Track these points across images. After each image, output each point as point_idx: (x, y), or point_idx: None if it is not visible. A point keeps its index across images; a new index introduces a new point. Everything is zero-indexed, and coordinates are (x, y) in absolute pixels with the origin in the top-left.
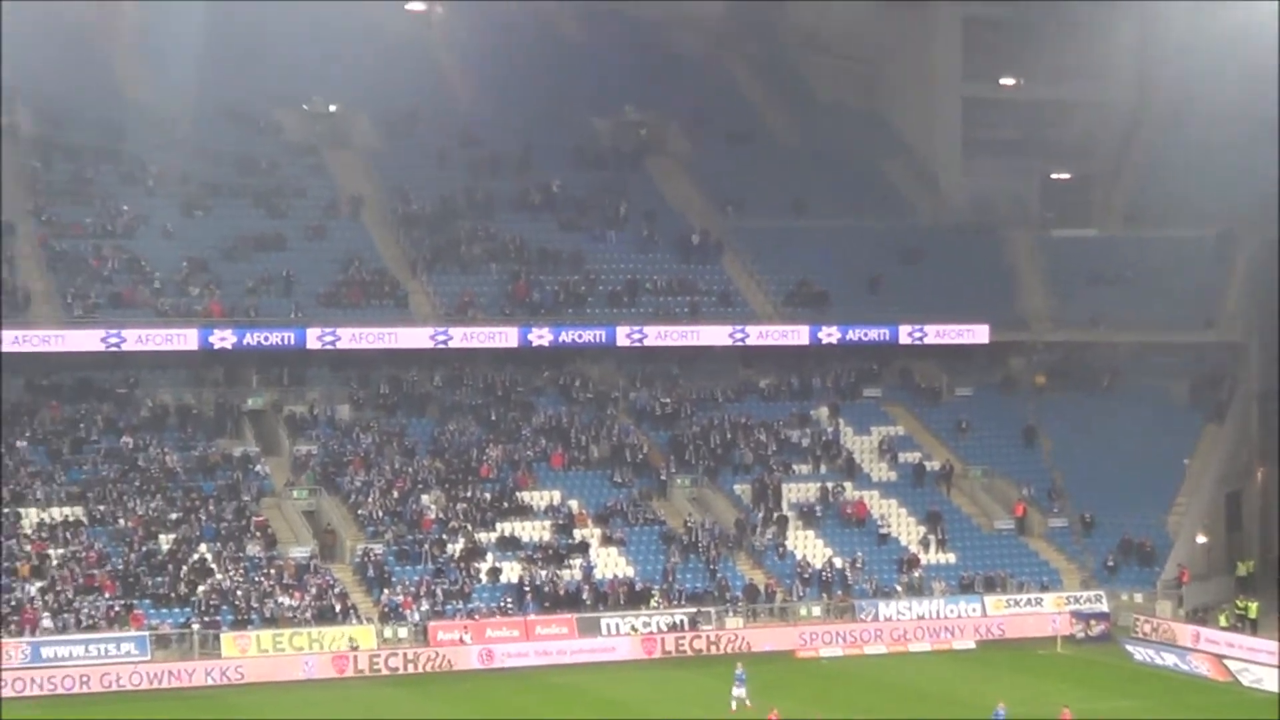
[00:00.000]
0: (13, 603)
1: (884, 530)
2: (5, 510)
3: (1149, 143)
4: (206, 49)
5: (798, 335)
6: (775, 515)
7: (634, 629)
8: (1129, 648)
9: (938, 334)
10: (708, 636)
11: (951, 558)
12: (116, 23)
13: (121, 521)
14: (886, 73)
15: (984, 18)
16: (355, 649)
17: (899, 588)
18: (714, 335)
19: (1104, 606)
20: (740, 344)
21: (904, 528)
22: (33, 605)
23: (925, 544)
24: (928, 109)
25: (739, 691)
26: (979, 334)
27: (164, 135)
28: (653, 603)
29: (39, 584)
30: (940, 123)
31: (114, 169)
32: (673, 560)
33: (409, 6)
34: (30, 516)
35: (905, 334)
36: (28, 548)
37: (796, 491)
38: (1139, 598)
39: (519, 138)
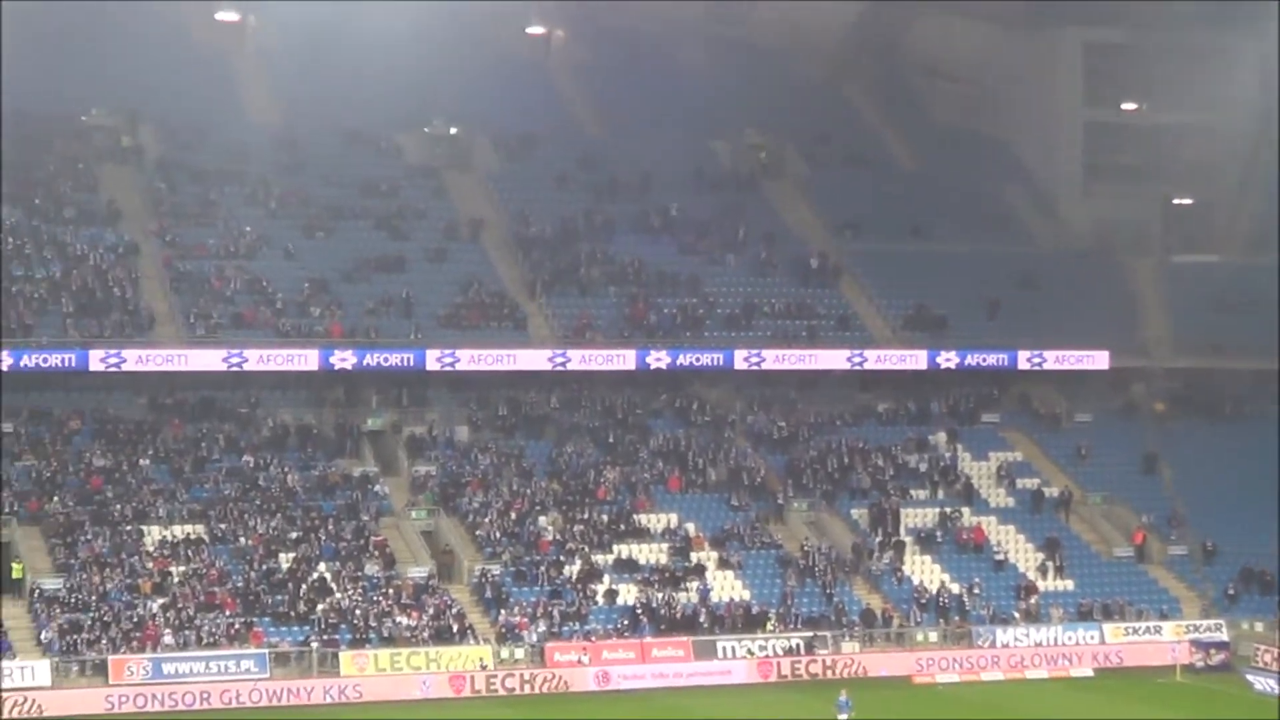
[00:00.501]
0: (135, 619)
1: (1001, 556)
2: (128, 527)
3: (1272, 167)
4: (330, 72)
5: (916, 360)
6: (892, 540)
7: (750, 652)
8: (1249, 677)
9: (1057, 359)
10: (824, 661)
11: (1070, 584)
12: (241, 46)
13: (242, 540)
14: (1007, 97)
15: (1105, 43)
16: (484, 668)
17: (1016, 614)
18: (832, 359)
19: (1224, 635)
20: (858, 368)
21: (1022, 554)
22: (155, 622)
23: (1043, 570)
24: (1048, 134)
25: (843, 719)
26: (1099, 360)
27: (287, 158)
28: (769, 626)
29: (161, 601)
30: (1061, 147)
31: (238, 191)
32: (789, 584)
33: (529, 30)
34: (153, 534)
35: (1024, 359)
36: (150, 565)
37: (914, 516)
38: (1259, 627)
39: (638, 161)
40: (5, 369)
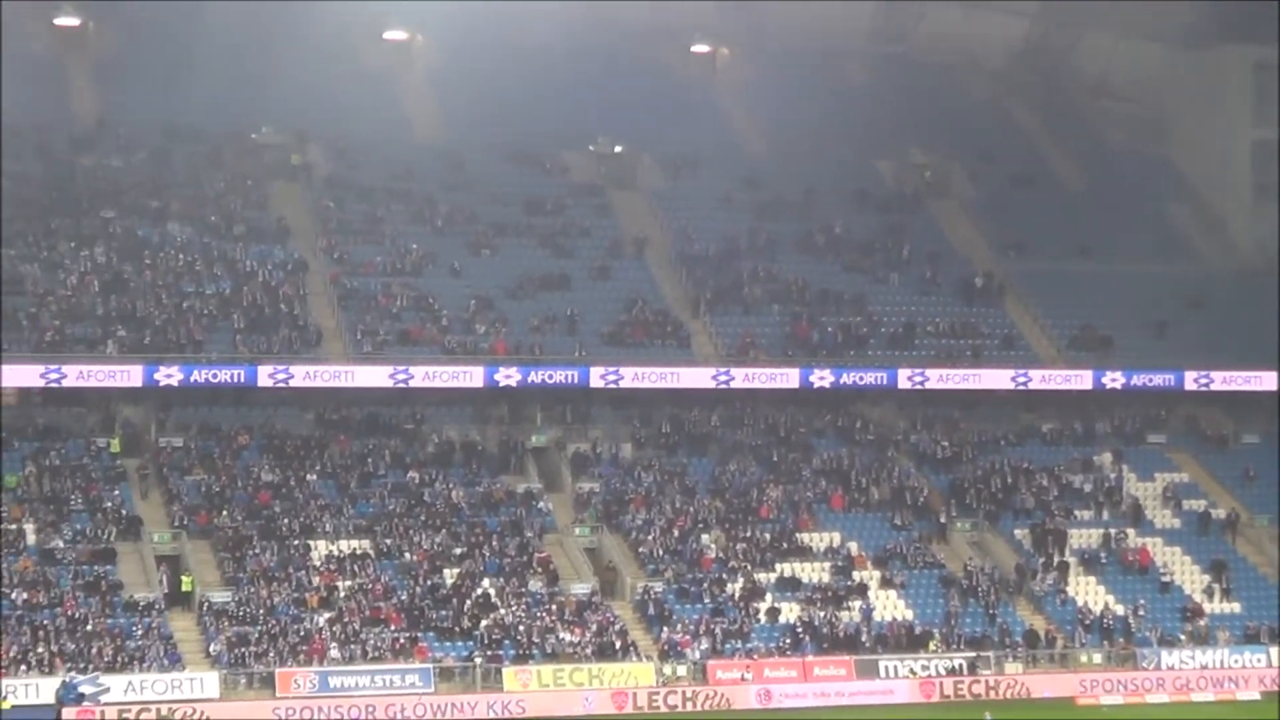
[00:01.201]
0: (302, 632)
1: (1167, 578)
2: (296, 542)
3: None
4: (496, 91)
5: (1081, 380)
6: (1056, 561)
7: (912, 672)
8: None
9: (1224, 380)
10: (987, 681)
11: (1236, 607)
12: (409, 65)
13: (407, 555)
14: (1174, 117)
15: (1273, 63)
16: (666, 684)
17: (1182, 636)
18: (996, 379)
19: None
20: (1022, 388)
21: (1187, 576)
22: (321, 635)
23: (1209, 593)
24: (1216, 153)
25: None
26: (1267, 380)
27: (453, 176)
28: (932, 646)
29: (327, 615)
30: (1228, 167)
31: (404, 208)
32: (952, 604)
33: (695, 48)
34: (320, 548)
35: (1191, 380)
36: (316, 579)
37: (1078, 537)
38: None
39: (802, 180)
40: (176, 384)
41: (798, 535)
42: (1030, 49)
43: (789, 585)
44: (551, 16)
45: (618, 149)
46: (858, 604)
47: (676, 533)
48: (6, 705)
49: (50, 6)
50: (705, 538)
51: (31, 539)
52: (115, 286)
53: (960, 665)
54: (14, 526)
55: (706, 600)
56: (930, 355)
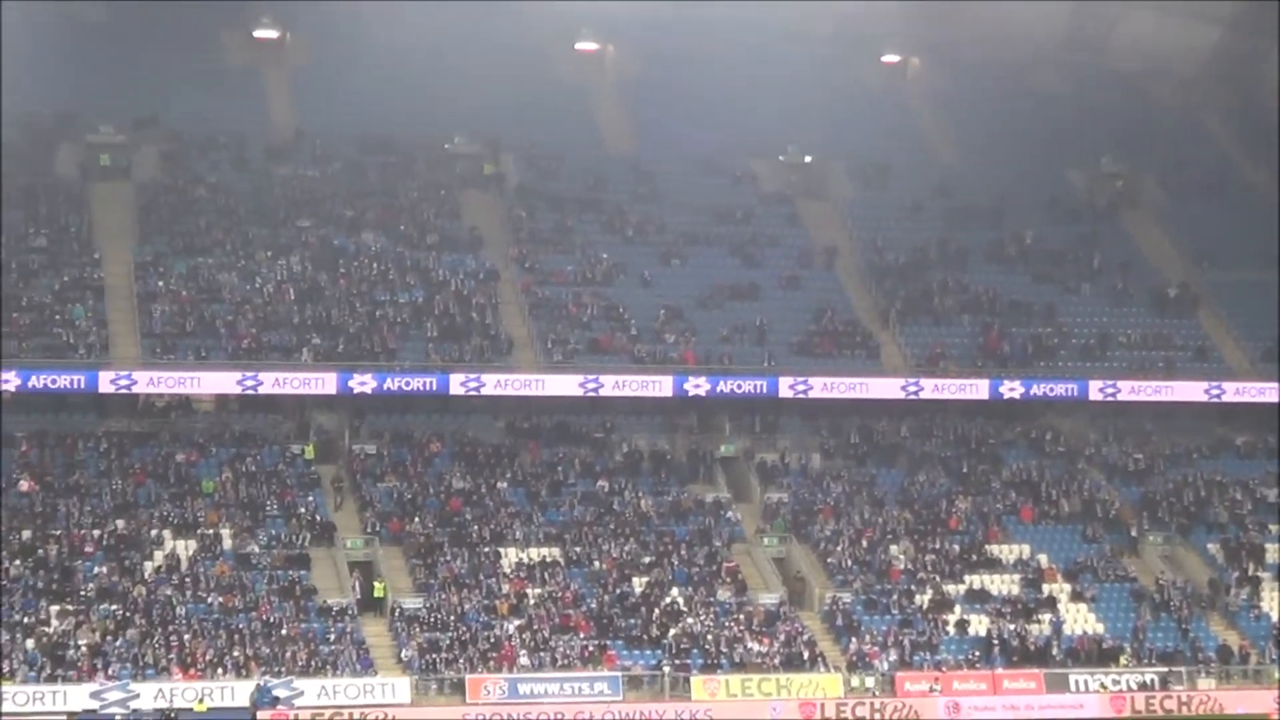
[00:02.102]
0: (492, 639)
1: None
2: (486, 549)
3: None
4: (685, 101)
5: (1275, 392)
6: (1250, 575)
7: (1103, 686)
8: None
9: None
10: (1179, 697)
11: None
12: (600, 76)
13: (596, 563)
14: None
15: None
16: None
17: None
18: (1189, 391)
19: None
20: (1216, 400)
21: None
22: (511, 642)
23: None
24: None
25: None
26: None
27: (643, 186)
28: (1123, 661)
29: (517, 622)
30: None
31: (595, 218)
32: (1143, 618)
33: (885, 58)
34: (510, 556)
35: None
36: (507, 587)
37: (1273, 552)
38: None
39: (993, 189)
40: (369, 392)
41: (987, 547)
42: (1222, 56)
43: (978, 597)
44: (741, 27)
45: (808, 159)
46: (1047, 617)
47: (865, 543)
48: (203, 708)
49: (250, 19)
50: (894, 549)
51: (228, 544)
52: (311, 295)
53: (1152, 680)
54: (211, 531)
55: (895, 611)
56: (1122, 367)
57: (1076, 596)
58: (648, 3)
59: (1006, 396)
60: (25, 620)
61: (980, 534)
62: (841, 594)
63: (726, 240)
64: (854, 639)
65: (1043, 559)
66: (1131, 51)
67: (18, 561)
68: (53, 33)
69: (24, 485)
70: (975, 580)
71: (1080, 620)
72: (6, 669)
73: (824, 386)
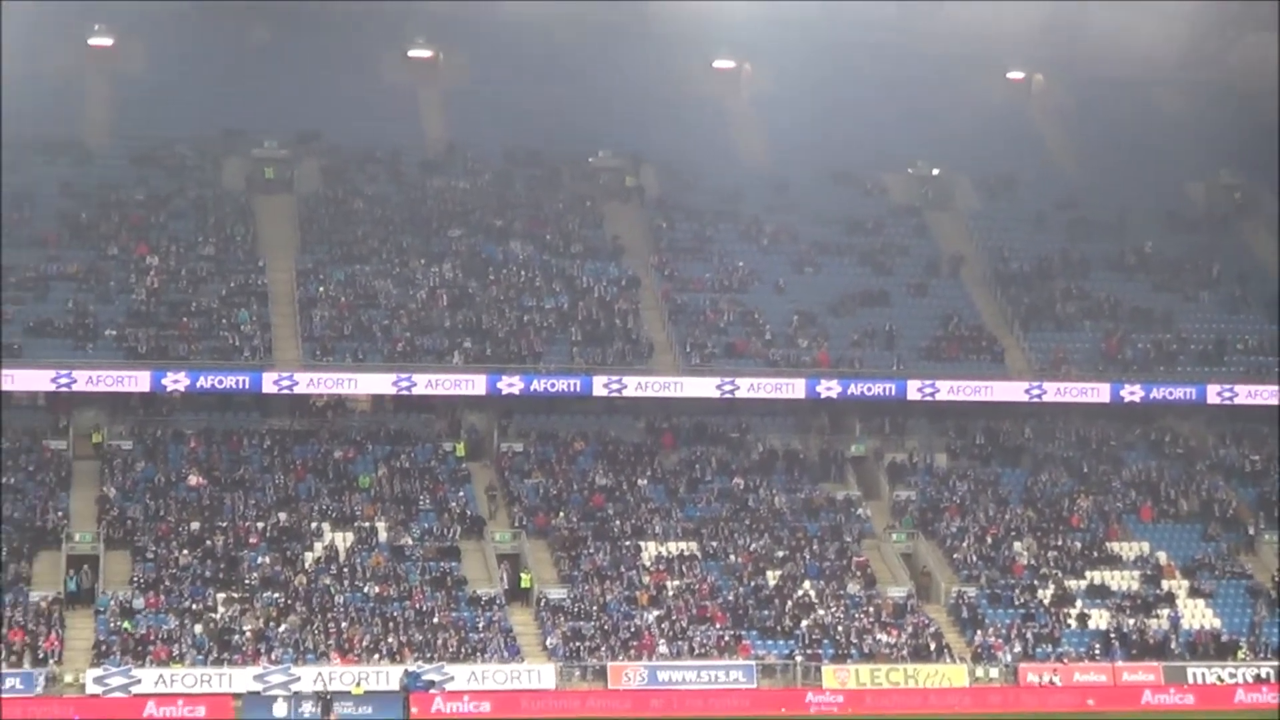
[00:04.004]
0: (632, 629)
1: None
2: (627, 543)
3: None
4: (818, 117)
5: None
6: None
7: (1220, 679)
8: None
9: None
10: None
11: None
12: (736, 93)
13: (732, 557)
14: None
15: None
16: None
17: None
18: None
19: None
20: None
21: None
22: (650, 632)
23: None
24: None
25: None
26: None
27: (778, 197)
28: (1239, 654)
29: (656, 612)
30: None
31: (732, 228)
32: (1260, 614)
33: (1010, 75)
34: (649, 549)
35: None
36: (646, 579)
37: None
38: None
39: (1114, 201)
40: (517, 393)
41: (1107, 544)
42: None
43: (1099, 592)
44: (871, 47)
45: (935, 171)
46: (1166, 612)
47: (989, 540)
48: (359, 690)
49: (405, 40)
50: (1017, 545)
51: (383, 536)
52: (461, 301)
53: (1267, 674)
54: (367, 524)
55: (1018, 605)
56: (1239, 372)
57: (1194, 592)
58: (782, 24)
59: (1127, 400)
60: (194, 607)
61: (1101, 532)
62: (967, 588)
63: (857, 249)
64: (978, 631)
65: (1162, 556)
66: (1254, 67)
67: (187, 551)
68: (221, 54)
69: (193, 480)
70: (1096, 576)
71: (1198, 615)
72: (176, 652)
73: (951, 389)
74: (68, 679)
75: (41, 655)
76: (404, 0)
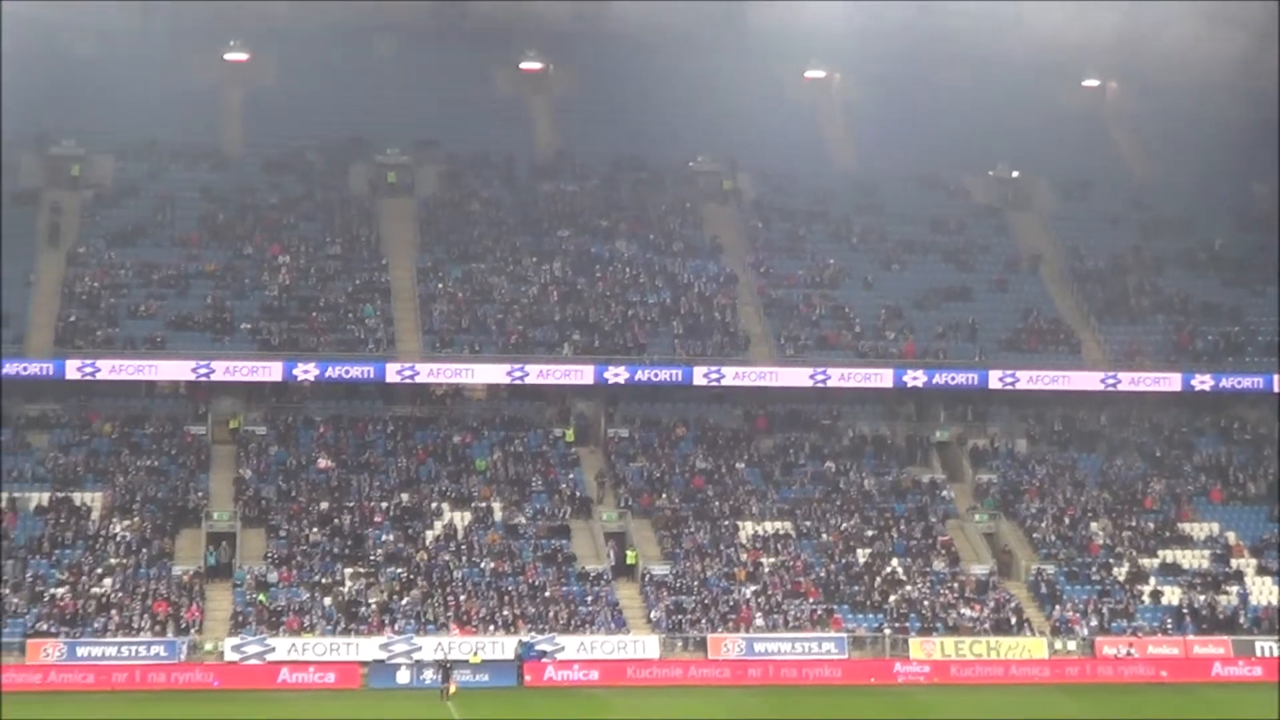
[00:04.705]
0: (730, 603)
1: None
2: (726, 523)
3: None
4: (905, 122)
5: None
6: None
7: None
8: None
9: None
10: None
11: None
12: (828, 100)
13: (824, 536)
14: None
15: None
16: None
17: None
18: None
19: None
20: None
21: None
22: (748, 606)
23: None
24: None
25: None
26: None
27: (866, 198)
28: None
29: (753, 588)
30: None
31: (823, 228)
32: None
33: (1085, 83)
34: (747, 528)
35: None
36: (744, 556)
37: None
38: None
39: (1184, 201)
40: (623, 382)
41: (1179, 525)
42: None
43: (1171, 570)
44: (954, 57)
45: (1015, 174)
46: (1235, 589)
47: (1067, 520)
48: (476, 659)
49: (518, 53)
50: (1094, 525)
51: (498, 516)
52: (571, 296)
53: None
54: (484, 505)
55: (1095, 582)
56: None
57: (1262, 570)
58: (869, 35)
59: (1198, 389)
60: (323, 581)
61: (1173, 513)
62: (1045, 566)
63: (941, 248)
64: (1057, 607)
65: (1231, 536)
66: None
67: (317, 529)
68: (347, 68)
69: (322, 463)
70: (1168, 555)
71: (1266, 592)
72: (307, 623)
73: (1030, 379)
74: (207, 647)
75: (184, 625)
76: (516, 17)
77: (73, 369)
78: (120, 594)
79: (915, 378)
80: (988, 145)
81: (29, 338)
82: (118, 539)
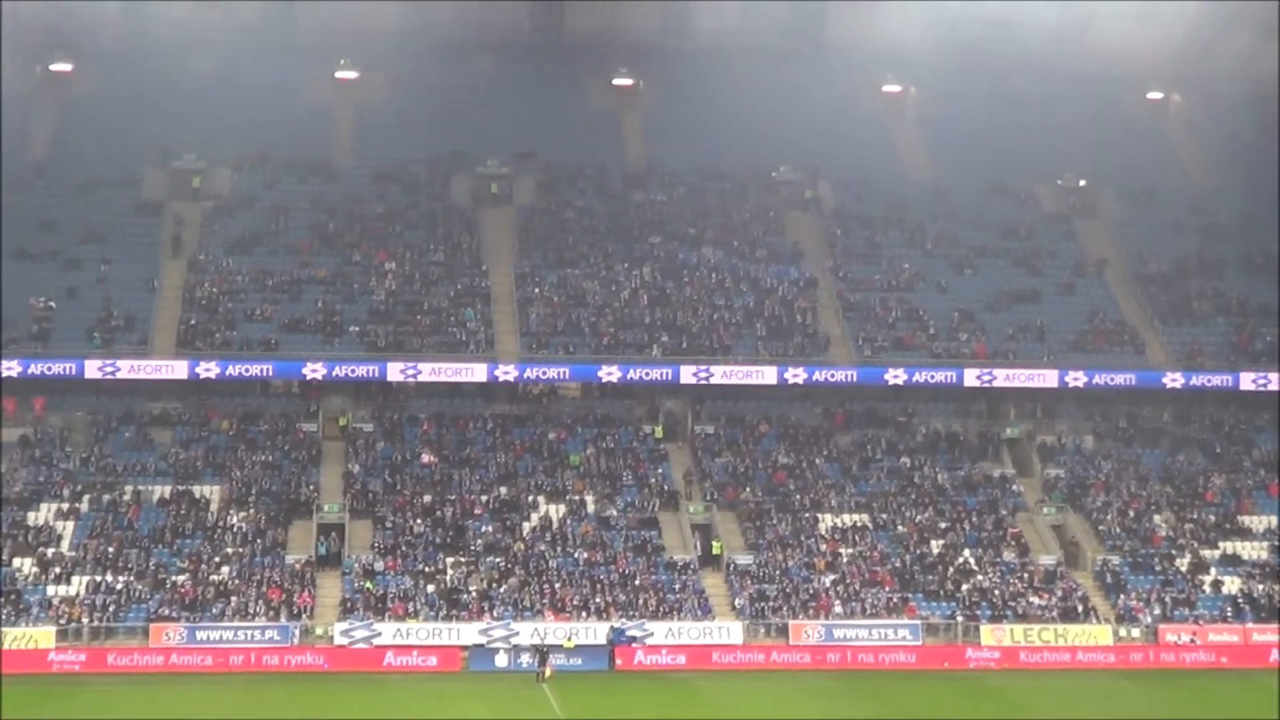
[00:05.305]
0: (811, 591)
1: None
2: (806, 515)
3: None
4: (977, 133)
5: None
6: None
7: None
8: None
9: None
10: None
11: None
12: (903, 112)
13: (900, 528)
14: None
15: None
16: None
17: None
18: None
19: None
20: None
21: None
22: (827, 594)
23: None
24: None
25: None
26: None
27: (940, 206)
28: None
29: (832, 577)
30: None
31: (899, 234)
32: None
33: (1149, 95)
34: (826, 521)
35: None
36: (823, 546)
37: None
38: None
39: (1244, 208)
40: (709, 382)
41: (1239, 518)
42: None
43: (1231, 561)
44: (1024, 71)
45: (1082, 183)
46: None
47: (1131, 513)
48: (570, 644)
49: (609, 70)
50: (1157, 518)
51: (591, 508)
52: (659, 300)
53: None
54: (577, 498)
55: (1158, 572)
56: None
57: None
58: (943, 50)
59: (1257, 388)
60: (426, 569)
61: (1233, 506)
62: (1111, 556)
63: (1011, 253)
64: (1122, 596)
65: None
66: None
67: (420, 521)
68: (450, 85)
69: (425, 458)
70: (1228, 546)
71: None
72: (411, 609)
73: (1096, 378)
74: (318, 631)
75: (296, 611)
76: (608, 36)
77: (193, 369)
78: (237, 581)
79: (986, 377)
80: (1056, 155)
81: (153, 340)
82: (235, 529)
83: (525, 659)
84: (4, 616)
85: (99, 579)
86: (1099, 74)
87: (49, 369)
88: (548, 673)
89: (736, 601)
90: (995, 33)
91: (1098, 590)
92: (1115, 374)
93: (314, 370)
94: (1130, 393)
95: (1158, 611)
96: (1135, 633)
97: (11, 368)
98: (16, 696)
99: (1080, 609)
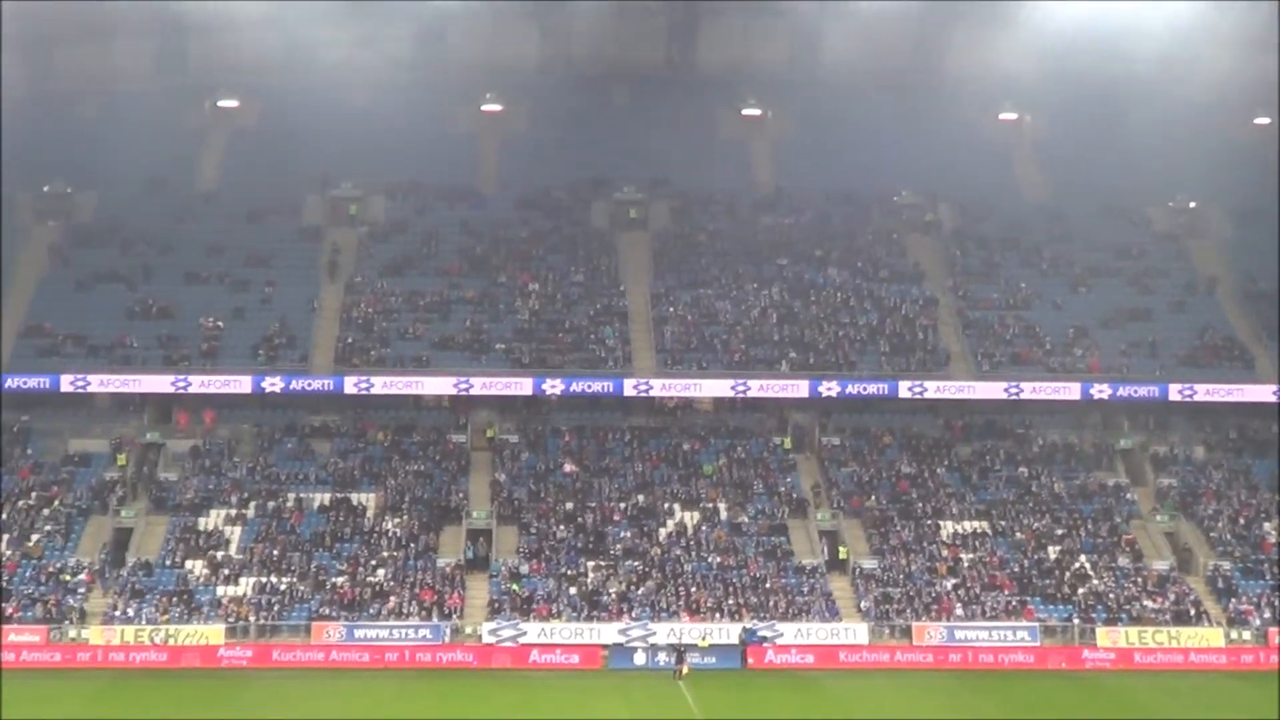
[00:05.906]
0: (933, 595)
1: None
2: (928, 522)
3: None
4: (1091, 157)
5: None
6: None
7: None
8: None
9: None
10: None
11: None
12: (1020, 138)
13: (1018, 534)
14: None
15: None
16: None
17: None
18: None
19: None
20: None
21: None
22: (948, 597)
23: None
24: None
25: None
26: None
27: (1056, 228)
28: None
29: (953, 581)
30: None
31: (1016, 255)
32: None
33: (1256, 121)
34: (947, 527)
35: None
36: (945, 552)
37: None
38: None
39: None
40: (835, 395)
41: None
42: None
43: None
44: (1134, 98)
45: (1193, 204)
46: None
47: (1242, 521)
48: (705, 644)
49: (739, 100)
50: (1267, 525)
51: (724, 515)
52: (787, 318)
53: None
54: (711, 505)
55: (1268, 578)
56: None
57: None
58: (1057, 79)
59: None
60: (569, 572)
61: None
62: (1222, 562)
63: (1125, 272)
64: (1233, 600)
65: None
66: None
67: (563, 527)
68: (589, 116)
69: (568, 467)
70: None
71: None
72: (555, 610)
73: (1207, 392)
74: (467, 630)
75: (447, 611)
76: (738, 67)
77: (350, 385)
78: (392, 583)
79: (1101, 391)
80: (1167, 178)
81: (313, 357)
82: (389, 534)
83: (662, 657)
84: (177, 615)
85: (264, 580)
86: (1207, 100)
87: (220, 385)
88: (685, 670)
89: (862, 604)
90: (1107, 62)
91: (1209, 594)
92: (1225, 387)
93: (463, 385)
94: (1240, 405)
95: (1267, 615)
96: (1246, 635)
97: (184, 383)
98: (189, 689)
99: (1192, 612)
